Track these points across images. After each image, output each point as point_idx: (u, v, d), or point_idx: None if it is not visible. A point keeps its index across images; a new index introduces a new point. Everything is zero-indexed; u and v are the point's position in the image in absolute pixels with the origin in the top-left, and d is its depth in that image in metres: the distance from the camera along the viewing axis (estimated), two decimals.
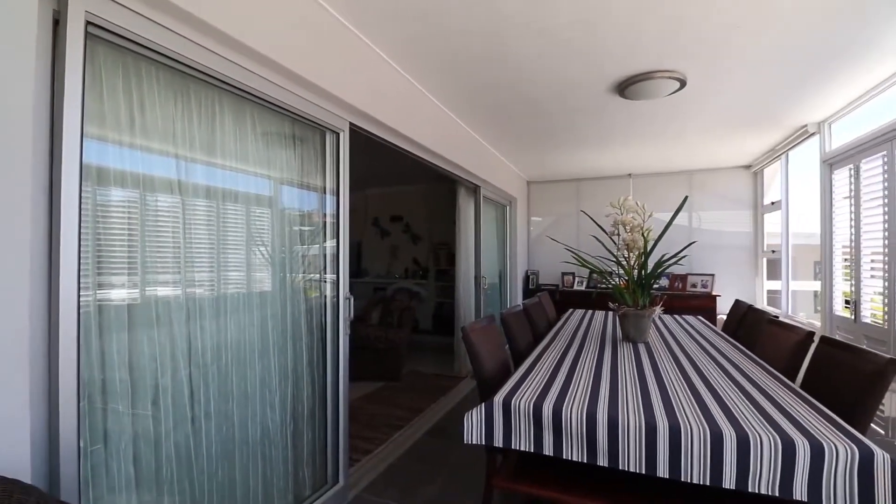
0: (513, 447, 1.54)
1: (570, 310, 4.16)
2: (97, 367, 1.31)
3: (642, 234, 2.46)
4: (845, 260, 3.23)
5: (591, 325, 3.24)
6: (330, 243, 2.25)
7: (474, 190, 4.52)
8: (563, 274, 6.05)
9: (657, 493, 1.57)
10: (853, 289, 3.05)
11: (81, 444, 1.23)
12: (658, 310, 2.52)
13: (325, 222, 2.25)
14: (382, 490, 2.40)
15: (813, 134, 3.65)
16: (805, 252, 4.75)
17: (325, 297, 2.24)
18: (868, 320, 2.90)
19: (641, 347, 2.44)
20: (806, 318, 4.15)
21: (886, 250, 2.66)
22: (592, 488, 1.59)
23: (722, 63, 2.56)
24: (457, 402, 3.88)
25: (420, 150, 3.12)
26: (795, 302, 4.50)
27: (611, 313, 3.76)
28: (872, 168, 2.84)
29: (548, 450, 1.49)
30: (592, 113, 3.46)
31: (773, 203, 4.81)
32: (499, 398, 1.59)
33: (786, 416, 1.42)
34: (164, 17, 1.40)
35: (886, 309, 2.67)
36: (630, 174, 5.79)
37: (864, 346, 2.14)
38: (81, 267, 1.22)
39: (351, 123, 2.33)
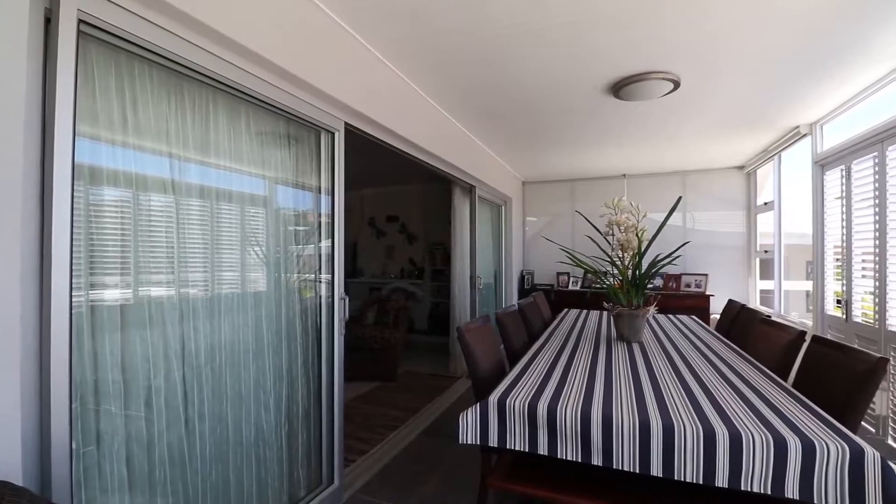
0: (507, 447, 1.54)
1: (565, 310, 4.18)
2: (90, 367, 1.30)
3: (636, 235, 2.47)
4: (837, 260, 3.26)
5: (586, 325, 3.25)
6: (325, 243, 2.25)
7: (469, 190, 4.52)
8: (559, 274, 6.06)
9: (651, 492, 1.58)
10: (844, 288, 3.08)
11: (73, 446, 1.22)
12: (652, 309, 2.53)
13: (320, 222, 2.25)
14: (377, 490, 2.40)
15: (805, 135, 3.68)
16: (797, 252, 4.80)
17: (321, 297, 2.24)
18: (859, 320, 2.93)
19: (636, 347, 2.46)
20: (798, 317, 4.18)
21: (877, 250, 2.69)
22: (587, 488, 1.59)
23: (715, 65, 2.57)
24: (452, 402, 3.88)
25: (415, 149, 3.12)
26: (788, 301, 4.54)
27: (605, 313, 3.78)
28: (863, 169, 2.87)
29: (542, 449, 1.49)
30: (587, 114, 3.47)
31: (765, 203, 4.85)
32: (493, 398, 1.59)
33: (778, 414, 1.44)
34: (157, 16, 1.39)
35: (877, 308, 2.70)
36: (625, 175, 5.81)
37: (855, 346, 2.16)
38: (74, 267, 1.21)
39: (346, 123, 2.33)
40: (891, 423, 2.56)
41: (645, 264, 2.49)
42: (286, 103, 1.93)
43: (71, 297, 1.19)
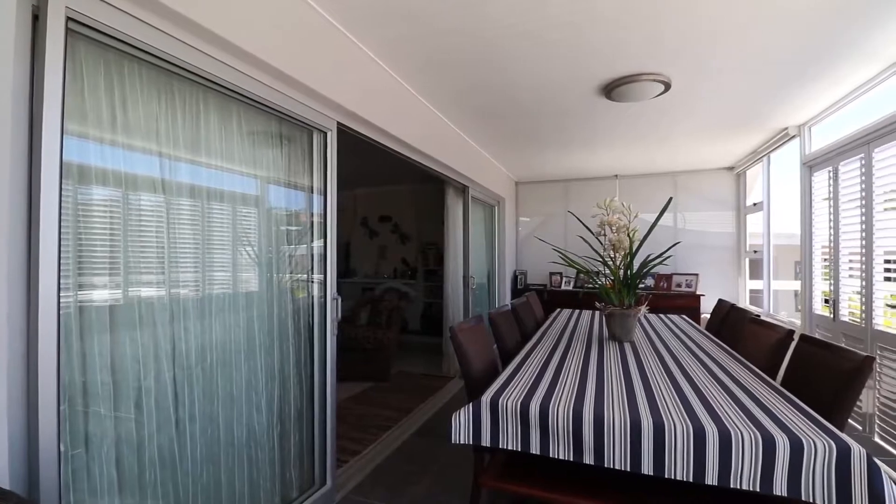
0: (500, 446, 1.55)
1: (558, 309, 4.19)
2: (78, 369, 1.28)
3: (628, 235, 2.49)
4: (825, 260, 3.30)
5: (578, 325, 3.27)
6: (317, 243, 2.24)
7: (463, 190, 4.53)
8: (551, 274, 6.09)
9: (643, 490, 1.59)
10: (832, 288, 3.13)
11: (62, 448, 1.21)
12: (643, 309, 2.55)
13: (312, 222, 2.24)
14: (370, 491, 2.39)
15: (794, 136, 3.73)
16: (786, 252, 4.86)
17: (313, 297, 2.23)
18: (846, 319, 2.97)
19: (627, 346, 2.47)
20: (787, 316, 4.23)
21: (863, 251, 2.73)
22: (579, 487, 1.60)
23: (706, 66, 2.60)
24: (445, 402, 3.88)
25: (408, 149, 3.12)
26: (777, 301, 4.59)
27: (597, 313, 3.80)
28: (850, 170, 2.91)
29: (535, 448, 1.50)
30: (579, 115, 3.49)
31: (755, 204, 4.90)
32: (486, 398, 1.59)
33: (766, 413, 1.45)
34: (147, 14, 1.38)
35: (863, 308, 2.74)
36: (617, 175, 5.85)
37: (843, 345, 2.19)
38: (62, 267, 1.19)
39: (339, 123, 2.32)
40: (877, 421, 2.60)
41: (636, 264, 2.51)
42: (278, 102, 1.92)
43: (59, 297, 1.18)
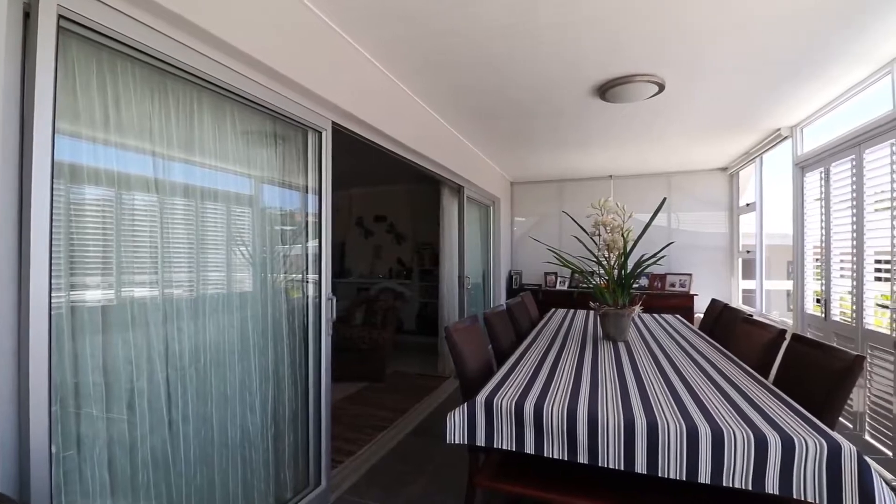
0: (495, 446, 1.55)
1: (553, 309, 4.21)
2: (70, 370, 1.27)
3: (622, 235, 2.50)
4: (816, 260, 3.33)
5: (573, 325, 3.28)
6: (312, 243, 2.23)
7: (458, 190, 4.53)
8: (546, 274, 6.10)
9: (636, 489, 1.60)
10: (823, 288, 3.16)
11: (53, 450, 1.20)
12: (637, 309, 2.57)
13: (307, 222, 2.23)
14: (365, 491, 2.39)
15: (786, 138, 3.76)
16: (778, 252, 4.90)
17: (308, 297, 2.22)
18: (837, 318, 3.00)
19: (621, 346, 2.49)
20: (779, 316, 4.27)
21: (854, 251, 2.76)
22: (574, 486, 1.61)
23: (699, 68, 2.62)
24: (440, 402, 3.88)
25: (404, 149, 3.12)
26: (769, 301, 4.63)
27: (592, 312, 3.82)
28: (841, 171, 2.94)
29: (529, 448, 1.51)
30: (574, 115, 3.50)
31: (747, 205, 4.94)
32: (481, 398, 1.60)
33: (758, 412, 1.47)
34: (141, 13, 1.37)
35: (854, 307, 2.77)
36: (611, 176, 5.88)
37: (834, 344, 2.22)
38: (53, 267, 1.18)
39: (334, 123, 2.32)
40: (867, 419, 2.62)
41: (630, 264, 2.52)
42: (273, 102, 1.92)
43: (50, 297, 1.17)
